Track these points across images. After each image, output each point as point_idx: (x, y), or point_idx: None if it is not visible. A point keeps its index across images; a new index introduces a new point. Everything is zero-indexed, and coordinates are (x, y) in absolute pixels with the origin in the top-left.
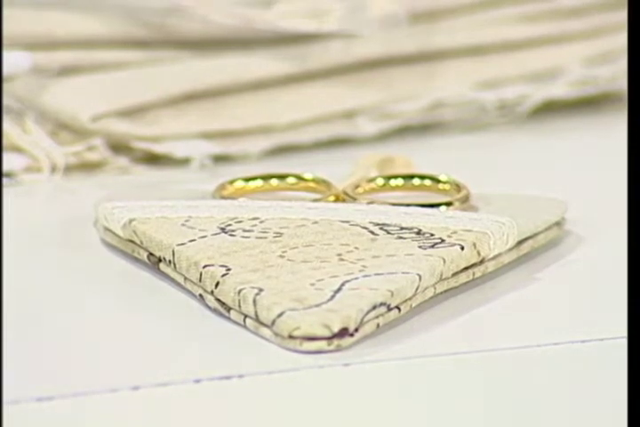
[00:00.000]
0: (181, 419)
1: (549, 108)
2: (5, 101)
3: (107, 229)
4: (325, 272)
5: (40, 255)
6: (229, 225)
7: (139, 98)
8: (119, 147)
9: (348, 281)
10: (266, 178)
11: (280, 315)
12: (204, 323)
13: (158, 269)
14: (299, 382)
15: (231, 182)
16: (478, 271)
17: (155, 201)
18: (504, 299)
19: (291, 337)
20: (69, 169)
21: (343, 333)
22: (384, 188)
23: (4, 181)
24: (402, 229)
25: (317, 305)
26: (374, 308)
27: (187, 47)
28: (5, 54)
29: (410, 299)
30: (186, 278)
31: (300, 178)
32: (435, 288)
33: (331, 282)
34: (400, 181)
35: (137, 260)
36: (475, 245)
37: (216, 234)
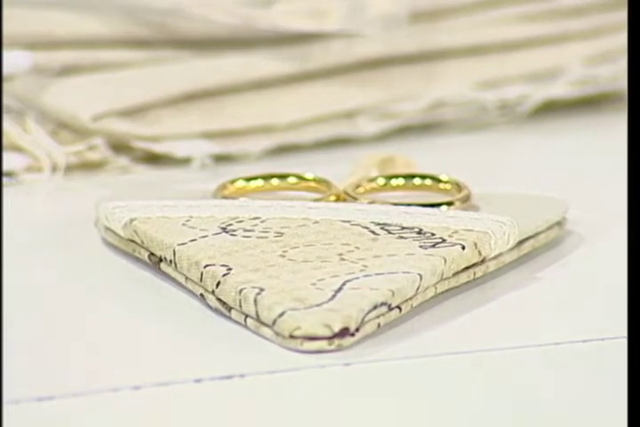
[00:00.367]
0: (182, 419)
1: (550, 108)
2: (6, 101)
3: (107, 229)
4: (326, 272)
5: (41, 255)
6: (230, 225)
7: (139, 97)
8: (120, 146)
9: (348, 281)
10: (267, 178)
11: (281, 315)
12: (205, 323)
13: (159, 268)
14: (300, 382)
15: (232, 182)
16: (479, 271)
17: (155, 201)
18: (505, 299)
19: (292, 337)
20: (70, 169)
21: (344, 332)
22: (385, 187)
23: (5, 180)
24: (403, 228)
25: (318, 305)
26: (375, 307)
27: (187, 47)
28: (6, 54)
29: (411, 299)
30: (187, 278)
31: (300, 178)
32: (435, 288)
33: (332, 282)
34: (401, 181)
35: (138, 259)
36: (476, 244)
37: (217, 234)
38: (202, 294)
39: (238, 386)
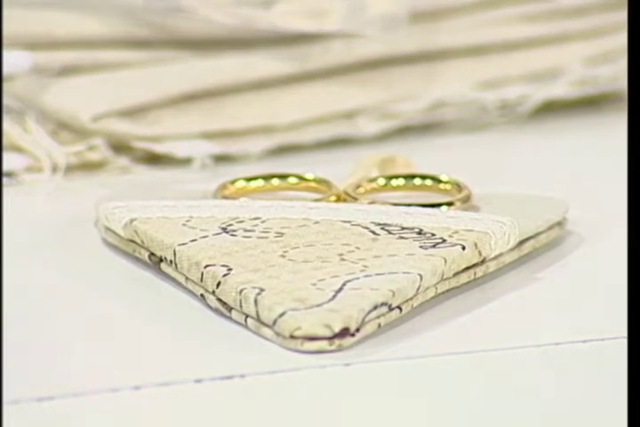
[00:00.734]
0: (183, 419)
1: (550, 108)
2: (6, 101)
3: (108, 229)
4: (327, 272)
5: (41, 255)
6: (231, 225)
7: (139, 98)
8: (120, 147)
9: (349, 281)
10: (267, 178)
11: (281, 315)
12: (206, 323)
13: (159, 269)
14: (300, 382)
15: (232, 182)
16: (479, 271)
17: (156, 201)
18: (505, 299)
19: (292, 337)
20: (70, 169)
21: (344, 333)
22: (385, 188)
23: (5, 180)
24: (403, 228)
25: (319, 305)
26: (375, 308)
27: (187, 47)
28: (6, 54)
29: (411, 299)
30: (187, 278)
31: (301, 178)
32: (436, 288)
33: (332, 282)
34: (401, 181)
35: (138, 260)
36: (476, 245)
37: (217, 234)
38: (202, 295)
39: (239, 386)
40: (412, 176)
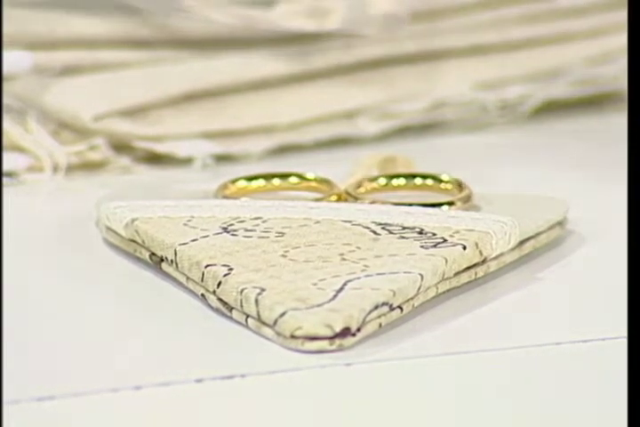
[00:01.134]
0: (183, 419)
1: (550, 108)
2: (7, 101)
3: (109, 229)
4: (327, 272)
5: (42, 255)
6: (231, 225)
7: (140, 98)
8: (121, 146)
9: (350, 281)
10: (268, 177)
11: (282, 315)
12: (206, 323)
13: (160, 268)
14: (301, 382)
15: (233, 182)
16: (480, 271)
17: (157, 201)
18: (506, 299)
19: (293, 337)
20: (71, 169)
21: (345, 332)
22: (386, 187)
23: (6, 180)
24: (404, 228)
25: (319, 305)
26: (376, 307)
27: (188, 47)
28: (6, 54)
29: (412, 299)
30: (188, 278)
31: (302, 177)
32: (437, 288)
33: (333, 282)
34: (402, 181)
35: (139, 259)
36: (477, 244)
37: (218, 234)
38: (203, 294)
39: (239, 386)
40: (413, 176)
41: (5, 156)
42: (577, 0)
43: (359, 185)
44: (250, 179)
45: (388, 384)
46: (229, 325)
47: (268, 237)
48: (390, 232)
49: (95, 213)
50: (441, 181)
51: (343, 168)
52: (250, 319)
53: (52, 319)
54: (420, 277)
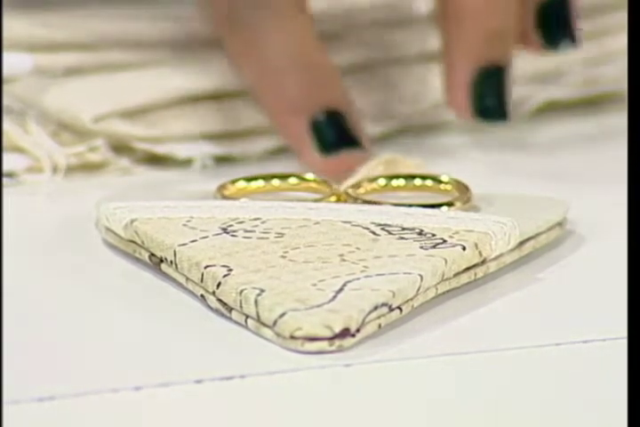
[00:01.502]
0: (183, 419)
1: (551, 109)
2: (7, 102)
3: (108, 230)
4: (327, 273)
5: (41, 256)
6: (231, 225)
7: (140, 99)
8: (121, 147)
9: (349, 281)
10: (267, 178)
11: (282, 315)
12: (206, 323)
13: (160, 269)
14: (300, 383)
15: (233, 182)
16: (480, 272)
17: (156, 201)
18: (505, 299)
19: (292, 338)
20: (71, 170)
21: (345, 333)
22: (386, 188)
23: (6, 181)
24: (403, 229)
25: (319, 306)
26: (376, 308)
27: (188, 48)
28: (6, 56)
29: (411, 299)
30: (187, 279)
31: (301, 178)
32: (436, 289)
33: (332, 282)
34: (402, 182)
35: (138, 260)
36: (476, 245)
37: (217, 234)
38: (202, 295)
39: (239, 387)
40: (413, 176)
41: (5, 156)
42: (577, 0)
43: (359, 186)
44: (249, 180)
45: (387, 385)
46: (229, 325)
47: (267, 238)
48: (390, 233)
49: (95, 213)
50: (440, 181)
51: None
52: (249, 320)
53: (52, 319)
54: (419, 277)
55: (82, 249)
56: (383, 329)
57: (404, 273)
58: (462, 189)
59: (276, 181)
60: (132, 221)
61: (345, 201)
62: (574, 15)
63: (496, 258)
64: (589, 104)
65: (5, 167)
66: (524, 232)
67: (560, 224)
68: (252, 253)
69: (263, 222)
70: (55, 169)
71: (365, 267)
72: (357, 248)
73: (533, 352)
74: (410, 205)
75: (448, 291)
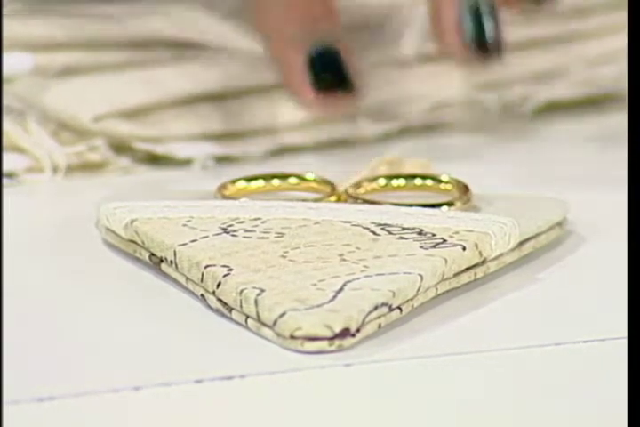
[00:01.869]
0: (183, 419)
1: (551, 109)
2: (7, 102)
3: (108, 230)
4: (327, 272)
5: (41, 255)
6: (231, 225)
7: (140, 99)
8: (121, 147)
9: (349, 281)
10: (267, 178)
11: (282, 315)
12: (206, 323)
13: (160, 269)
14: (300, 383)
15: (233, 182)
16: (480, 272)
17: (156, 201)
18: (506, 299)
19: (292, 337)
20: (71, 169)
21: (345, 333)
22: (386, 188)
23: (6, 181)
24: (403, 229)
25: (319, 305)
26: (376, 308)
27: (188, 48)
28: (6, 56)
29: (411, 299)
30: (187, 279)
31: (301, 178)
32: (436, 288)
33: (332, 282)
34: (402, 182)
35: (138, 260)
36: (476, 245)
37: (218, 234)
38: (202, 295)
39: (239, 387)
40: (413, 176)
41: (5, 156)
42: (578, 0)
43: (359, 186)
44: (249, 179)
45: (387, 385)
46: (229, 325)
47: (267, 238)
48: (390, 233)
49: (95, 213)
50: (441, 181)
51: (343, 169)
52: (249, 320)
53: (51, 319)
54: (419, 277)
55: (82, 249)
56: (383, 329)
57: (404, 273)
58: (462, 188)
59: (276, 181)
60: (132, 221)
61: (345, 201)
62: None
63: (496, 258)
64: (589, 104)
65: (5, 167)
66: (524, 232)
67: (560, 224)
68: (252, 253)
69: (263, 222)
70: (55, 169)
71: (365, 267)
72: (357, 248)
73: (533, 352)
74: (410, 205)
75: (448, 291)
